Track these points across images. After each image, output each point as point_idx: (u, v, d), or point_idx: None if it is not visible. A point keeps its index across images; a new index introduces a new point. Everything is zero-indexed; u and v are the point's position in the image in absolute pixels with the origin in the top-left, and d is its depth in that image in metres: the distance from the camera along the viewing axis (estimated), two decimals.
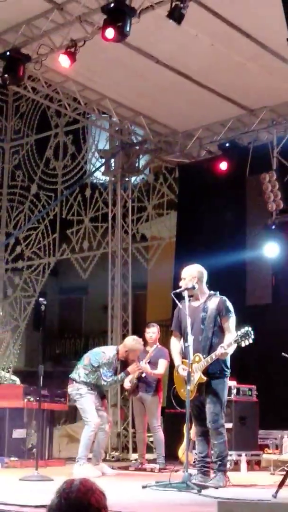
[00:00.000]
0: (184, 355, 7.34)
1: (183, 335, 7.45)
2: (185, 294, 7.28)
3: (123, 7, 9.32)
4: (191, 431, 7.97)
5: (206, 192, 13.42)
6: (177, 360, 7.49)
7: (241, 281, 12.60)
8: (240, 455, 10.16)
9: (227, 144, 12.83)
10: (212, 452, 7.39)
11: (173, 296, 7.45)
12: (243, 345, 7.16)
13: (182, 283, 7.49)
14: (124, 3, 9.35)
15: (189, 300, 7.32)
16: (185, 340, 7.18)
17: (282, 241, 12.07)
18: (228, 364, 7.38)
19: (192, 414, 7.39)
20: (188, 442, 7.06)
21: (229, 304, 7.45)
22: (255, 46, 10.60)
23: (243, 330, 7.14)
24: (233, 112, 12.84)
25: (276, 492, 5.68)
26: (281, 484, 5.78)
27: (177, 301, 7.41)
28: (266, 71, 11.21)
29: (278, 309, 12.18)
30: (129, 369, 9.35)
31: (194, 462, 7.87)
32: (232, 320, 7.40)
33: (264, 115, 12.62)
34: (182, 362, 7.36)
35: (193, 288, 7.38)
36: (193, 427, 8.02)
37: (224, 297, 7.51)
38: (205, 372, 7.20)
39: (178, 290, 7.43)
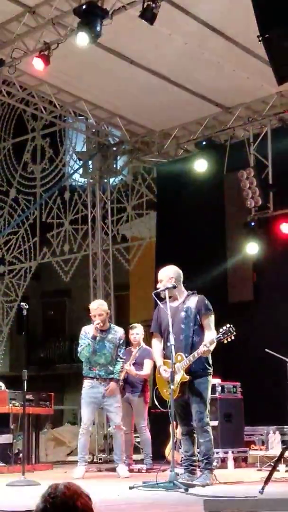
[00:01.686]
0: (166, 355, 7.35)
1: (163, 335, 7.46)
2: (166, 294, 7.29)
3: (95, 9, 9.32)
4: (177, 431, 7.98)
5: (185, 191, 13.44)
6: (159, 361, 7.50)
7: (223, 278, 12.63)
8: (226, 452, 10.18)
9: (204, 143, 12.87)
10: (199, 450, 7.40)
11: (154, 297, 7.46)
12: (225, 342, 7.18)
13: (159, 285, 7.50)
14: (96, 4, 9.34)
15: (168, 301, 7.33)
16: (167, 340, 7.20)
17: (262, 238, 12.12)
18: (210, 361, 7.39)
19: (176, 414, 7.40)
20: (174, 441, 7.06)
21: (208, 302, 7.47)
22: (228, 43, 10.63)
23: (224, 328, 7.16)
24: (209, 110, 12.87)
25: (263, 488, 5.68)
26: (267, 480, 5.78)
27: (158, 302, 7.42)
28: (240, 68, 11.25)
29: (260, 306, 12.25)
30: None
31: (181, 461, 7.88)
32: (211, 318, 7.41)
33: (240, 113, 12.67)
34: (164, 363, 7.37)
35: (174, 287, 7.40)
36: (179, 426, 8.03)
37: (203, 296, 7.53)
38: (188, 371, 7.21)
39: (159, 290, 7.44)
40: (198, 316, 7.39)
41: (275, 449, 9.86)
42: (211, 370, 7.40)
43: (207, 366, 7.35)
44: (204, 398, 7.29)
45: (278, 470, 6.38)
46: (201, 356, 7.18)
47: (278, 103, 12.28)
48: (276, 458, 6.59)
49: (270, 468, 6.91)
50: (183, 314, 7.40)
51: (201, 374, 7.30)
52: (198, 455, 7.48)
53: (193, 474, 7.39)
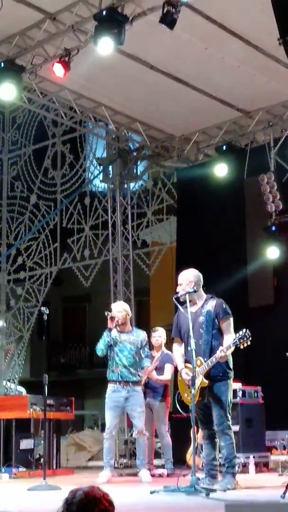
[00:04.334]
0: (187, 359, 7.34)
1: (184, 340, 7.45)
2: (187, 298, 7.27)
3: (115, 15, 9.35)
4: (198, 435, 7.95)
5: (205, 195, 13.44)
6: (180, 365, 7.49)
7: (243, 283, 12.60)
8: (248, 457, 10.13)
9: (224, 147, 12.85)
10: (220, 454, 7.37)
11: (175, 301, 7.45)
12: (241, 347, 7.15)
13: (179, 289, 7.48)
14: (116, 10, 9.38)
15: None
16: (188, 344, 7.18)
17: (282, 242, 12.08)
18: (231, 365, 7.37)
19: (198, 418, 7.39)
20: (195, 446, 7.03)
21: (226, 306, 7.44)
22: (248, 48, 10.64)
23: (240, 332, 7.12)
24: (229, 114, 12.87)
25: (284, 492, 5.65)
26: None
27: (179, 306, 7.41)
28: (260, 72, 11.25)
29: (281, 310, 12.20)
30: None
31: (202, 466, 7.85)
32: (230, 322, 7.39)
33: (260, 117, 12.65)
34: (185, 367, 7.35)
35: (195, 291, 7.37)
36: (200, 431, 8.00)
37: (221, 300, 7.51)
38: (207, 375, 7.19)
39: (179, 294, 7.42)
40: (216, 320, 7.37)
41: None
42: (231, 373, 7.37)
43: (227, 370, 7.32)
44: (224, 402, 7.26)
45: None
46: (220, 361, 7.16)
47: None
48: None
49: None
50: (202, 318, 7.39)
51: (221, 378, 7.28)
52: (220, 459, 7.45)
53: (214, 479, 7.36)
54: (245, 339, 7.09)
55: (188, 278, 7.50)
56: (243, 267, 12.65)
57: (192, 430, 6.90)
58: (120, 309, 9.30)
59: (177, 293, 7.47)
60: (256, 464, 10.23)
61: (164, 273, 15.12)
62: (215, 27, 10.21)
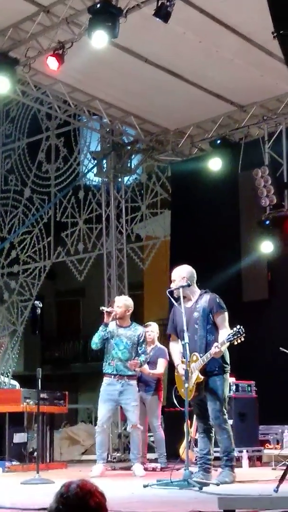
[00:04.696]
0: (183, 355, 7.33)
1: (179, 335, 7.45)
2: (180, 292, 7.27)
3: (110, 8, 9.32)
4: (191, 429, 7.95)
5: (199, 189, 13.43)
6: (177, 359, 7.49)
7: (237, 277, 12.59)
8: (241, 451, 10.13)
9: (219, 141, 12.85)
10: (218, 448, 7.39)
11: (169, 295, 7.44)
12: (235, 343, 7.14)
13: (172, 285, 7.48)
14: (111, 3, 9.35)
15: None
16: (182, 339, 7.18)
17: (276, 236, 12.07)
18: (227, 360, 7.37)
19: (194, 412, 7.39)
20: (188, 440, 7.03)
21: (220, 301, 7.44)
22: (242, 41, 10.61)
23: (234, 329, 7.11)
24: (223, 108, 12.86)
25: (277, 486, 5.66)
26: (282, 479, 5.75)
27: (173, 300, 7.40)
28: (255, 66, 11.22)
29: (275, 304, 12.20)
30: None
31: (196, 460, 7.86)
32: (224, 316, 7.38)
33: (255, 111, 12.65)
34: (182, 362, 7.35)
35: (188, 286, 7.37)
36: (194, 425, 8.01)
37: (215, 294, 7.50)
38: (203, 371, 7.19)
39: (173, 288, 7.42)
40: (210, 315, 7.37)
41: None
42: (228, 368, 7.38)
43: (224, 364, 7.33)
44: (220, 396, 7.26)
45: None
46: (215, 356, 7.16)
47: None
48: None
49: (284, 467, 6.88)
50: (196, 314, 7.38)
51: (217, 372, 7.28)
52: (214, 453, 7.47)
53: (208, 473, 7.37)
54: (239, 335, 7.08)
55: (181, 275, 7.50)
56: (237, 262, 12.64)
57: (185, 424, 6.90)
58: (120, 304, 9.27)
59: (171, 287, 7.48)
60: (250, 458, 10.25)
61: (158, 267, 15.11)
62: (210, 21, 10.18)
